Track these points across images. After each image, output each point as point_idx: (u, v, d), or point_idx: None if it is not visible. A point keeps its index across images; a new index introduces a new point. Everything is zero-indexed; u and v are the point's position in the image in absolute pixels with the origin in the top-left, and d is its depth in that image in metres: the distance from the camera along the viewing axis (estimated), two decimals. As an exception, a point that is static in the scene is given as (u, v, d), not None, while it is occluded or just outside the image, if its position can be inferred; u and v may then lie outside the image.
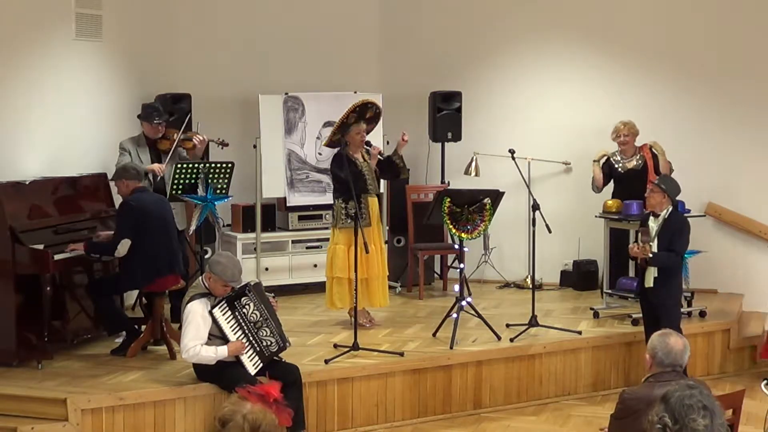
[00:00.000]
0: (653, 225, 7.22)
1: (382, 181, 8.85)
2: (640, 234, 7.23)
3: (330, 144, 8.08)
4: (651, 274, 7.17)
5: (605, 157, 8.95)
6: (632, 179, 8.76)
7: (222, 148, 8.54)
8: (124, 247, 7.08)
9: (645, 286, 7.22)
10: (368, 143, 7.98)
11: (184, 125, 8.34)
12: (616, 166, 8.94)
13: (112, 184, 7.67)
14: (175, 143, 8.13)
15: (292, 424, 6.04)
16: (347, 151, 7.88)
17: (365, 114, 7.94)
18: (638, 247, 7.11)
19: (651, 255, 7.04)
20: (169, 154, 8.07)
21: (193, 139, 8.25)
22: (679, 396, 3.32)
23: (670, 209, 7.23)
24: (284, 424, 5.98)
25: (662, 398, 3.36)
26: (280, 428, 4.33)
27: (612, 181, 8.99)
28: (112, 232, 7.40)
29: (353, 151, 7.93)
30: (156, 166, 8.01)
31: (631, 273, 8.66)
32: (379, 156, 8.01)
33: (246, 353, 6.36)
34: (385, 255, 8.18)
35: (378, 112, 8.03)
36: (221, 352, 6.28)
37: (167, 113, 8.50)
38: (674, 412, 3.30)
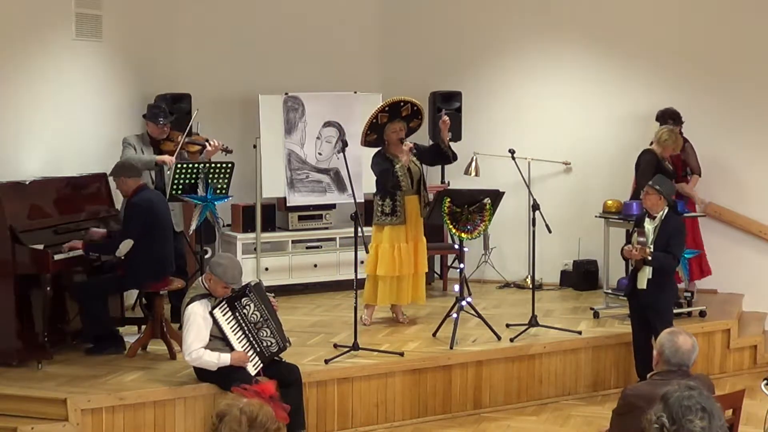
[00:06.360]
0: (649, 226, 7.20)
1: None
2: (635, 234, 7.20)
3: (367, 144, 8.09)
4: (645, 275, 7.14)
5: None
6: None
7: (225, 155, 8.49)
8: (125, 246, 7.07)
9: (637, 288, 7.19)
10: (401, 140, 7.96)
11: (188, 129, 8.33)
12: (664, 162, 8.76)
13: (111, 179, 7.63)
14: (179, 146, 8.13)
15: (289, 420, 6.03)
16: (387, 150, 7.96)
17: (400, 112, 7.93)
18: (635, 248, 7.07)
19: (651, 256, 7.01)
20: (173, 157, 8.05)
21: (207, 146, 8.22)
22: (678, 396, 3.33)
23: (667, 210, 7.21)
24: (281, 420, 5.97)
25: (662, 397, 3.36)
26: (277, 421, 4.33)
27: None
28: (105, 231, 7.40)
29: (393, 149, 7.94)
30: (167, 157, 7.97)
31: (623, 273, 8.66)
32: (412, 151, 7.92)
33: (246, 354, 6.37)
34: (423, 253, 8.13)
35: (416, 109, 7.98)
36: (224, 359, 6.27)
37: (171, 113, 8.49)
38: (672, 413, 3.30)
